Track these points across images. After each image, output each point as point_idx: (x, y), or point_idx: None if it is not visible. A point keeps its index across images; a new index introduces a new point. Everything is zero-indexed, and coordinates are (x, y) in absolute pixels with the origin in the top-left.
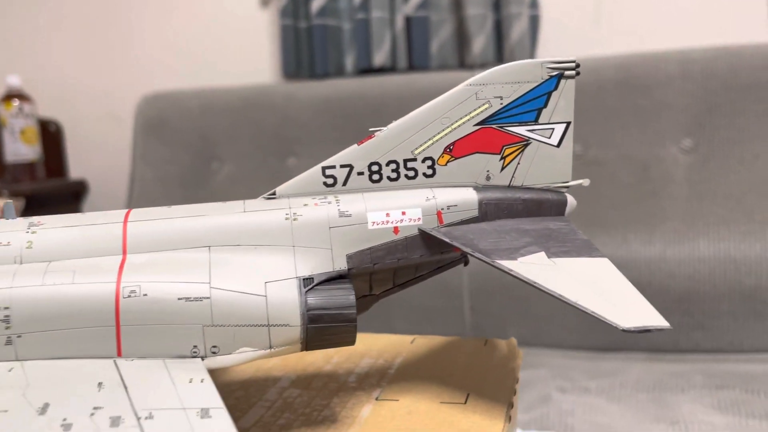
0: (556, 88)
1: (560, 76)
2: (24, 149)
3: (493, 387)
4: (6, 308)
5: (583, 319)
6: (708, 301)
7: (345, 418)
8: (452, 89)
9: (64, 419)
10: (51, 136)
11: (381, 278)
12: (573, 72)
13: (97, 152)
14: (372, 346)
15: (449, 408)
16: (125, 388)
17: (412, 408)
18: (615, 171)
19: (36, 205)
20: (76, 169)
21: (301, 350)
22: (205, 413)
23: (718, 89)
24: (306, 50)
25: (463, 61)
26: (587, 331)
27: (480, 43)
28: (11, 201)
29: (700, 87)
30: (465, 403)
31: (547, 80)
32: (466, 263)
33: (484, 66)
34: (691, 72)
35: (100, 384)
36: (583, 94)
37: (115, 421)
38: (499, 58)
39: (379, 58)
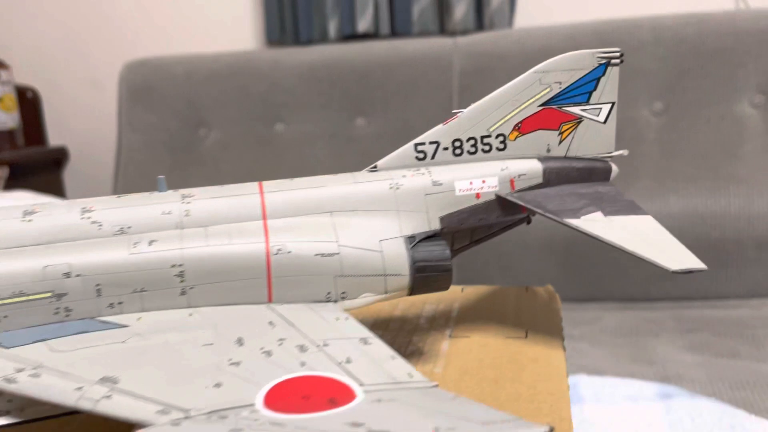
0: (604, 73)
1: (607, 64)
2: (2, 117)
3: (545, 324)
4: (180, 265)
5: (560, 272)
6: None
7: (429, 351)
8: (520, 76)
9: (262, 348)
10: (28, 103)
11: (461, 236)
12: (618, 60)
13: (76, 119)
14: (429, 295)
15: (514, 341)
16: (292, 325)
17: (482, 342)
18: None
19: (18, 173)
20: (55, 137)
21: (406, 295)
22: (364, 341)
23: (687, 54)
24: (290, 16)
25: (443, 27)
26: (564, 284)
27: (461, 9)
28: (163, 177)
29: (671, 52)
30: (526, 337)
31: (596, 67)
32: (528, 222)
33: (465, 32)
34: (663, 38)
35: (270, 323)
36: None
37: (302, 348)
38: (479, 25)
39: (363, 24)
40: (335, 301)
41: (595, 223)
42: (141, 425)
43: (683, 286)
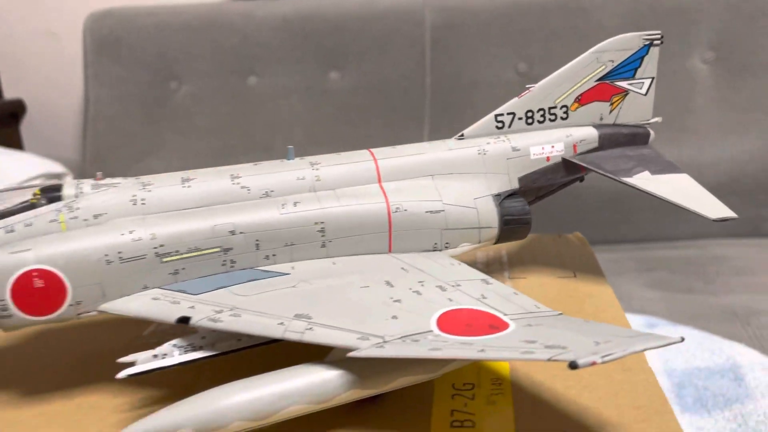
0: (647, 53)
1: (650, 45)
2: None
3: (586, 266)
4: (321, 223)
5: None
6: (633, 199)
7: None
8: (580, 56)
9: (410, 288)
10: None
11: (530, 193)
12: (659, 41)
13: (33, 71)
14: None
15: (566, 281)
16: (421, 270)
17: (540, 282)
18: None
19: None
20: (9, 90)
21: (492, 244)
22: (485, 282)
23: (645, 12)
24: None
25: None
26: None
27: None
28: (292, 147)
29: (630, 9)
30: (575, 276)
31: (641, 47)
32: (581, 180)
33: None
34: None
35: (403, 269)
36: (529, 17)
37: (442, 288)
38: None
39: None
40: (440, 250)
41: (647, 181)
42: (347, 350)
43: (639, 230)
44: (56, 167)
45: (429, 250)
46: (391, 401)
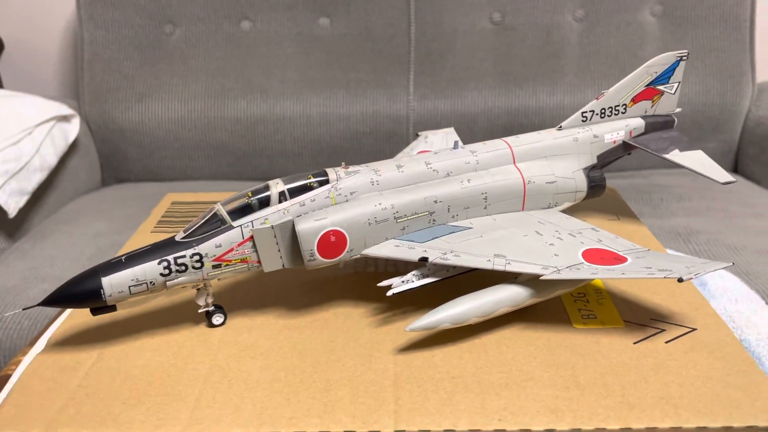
0: (678, 65)
1: (680, 60)
2: None
3: (622, 209)
4: (485, 193)
5: None
6: None
7: None
8: (637, 70)
9: (553, 235)
10: None
11: (600, 165)
12: (686, 58)
13: (10, 6)
14: None
15: (613, 222)
16: (551, 223)
17: (596, 225)
18: (525, 35)
19: None
20: None
21: (579, 201)
22: (594, 229)
23: None
24: None
25: None
26: None
27: None
28: (458, 140)
29: None
30: (618, 219)
31: (674, 62)
32: (629, 154)
33: None
34: None
35: (539, 222)
36: None
37: (572, 234)
38: None
39: None
40: (552, 208)
41: (678, 156)
42: (537, 276)
43: None
44: (65, 109)
45: (545, 208)
46: (539, 306)
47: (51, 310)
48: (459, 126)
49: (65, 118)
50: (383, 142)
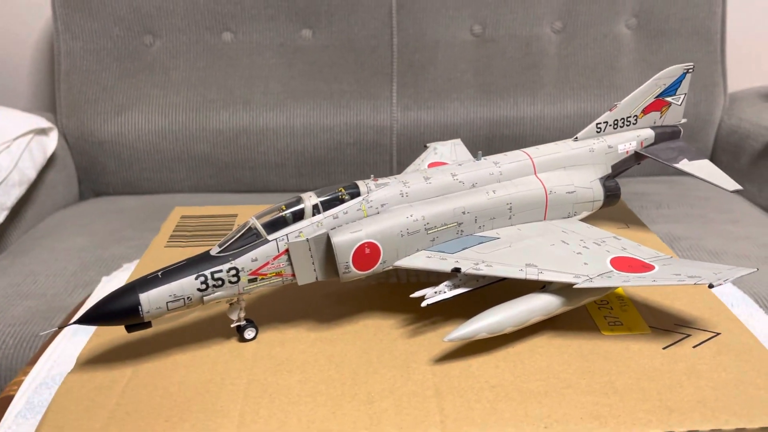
0: (684, 78)
1: (686, 73)
2: None
3: (630, 218)
4: (510, 203)
5: None
6: None
7: None
8: (647, 82)
9: (579, 243)
10: None
11: (611, 175)
12: (692, 70)
13: None
14: None
15: (623, 231)
16: (575, 232)
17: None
18: (505, 47)
19: None
20: None
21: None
22: (615, 238)
23: None
24: None
25: None
26: None
27: None
28: (480, 152)
29: None
30: (628, 227)
31: (681, 74)
32: (639, 163)
33: None
34: None
35: (564, 231)
36: None
37: (597, 243)
38: None
39: None
40: (571, 217)
41: (687, 166)
42: (567, 284)
43: None
44: (42, 122)
45: (565, 217)
46: (565, 315)
47: (32, 328)
48: (442, 137)
49: (43, 132)
50: (367, 153)
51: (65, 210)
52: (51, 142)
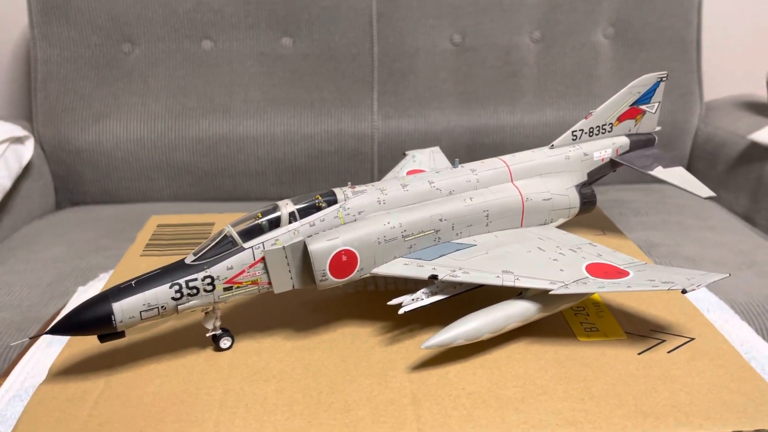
0: (658, 86)
1: (660, 81)
2: None
3: (606, 224)
4: (487, 210)
5: None
6: None
7: None
8: (622, 90)
9: (554, 250)
10: None
11: (586, 182)
12: (665, 79)
13: None
14: None
15: (599, 237)
16: (551, 239)
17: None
18: (485, 56)
19: None
20: None
21: (573, 217)
22: (591, 244)
23: None
24: None
25: None
26: None
27: None
28: (458, 159)
29: None
30: (604, 234)
31: (655, 83)
32: (614, 171)
33: None
34: None
35: (540, 238)
36: None
37: (572, 250)
38: None
39: None
40: (548, 224)
41: (662, 173)
42: (544, 291)
43: None
44: (18, 131)
45: (542, 224)
46: (542, 321)
47: (6, 340)
48: (423, 145)
49: (19, 140)
50: (348, 161)
51: (41, 219)
52: (27, 150)
